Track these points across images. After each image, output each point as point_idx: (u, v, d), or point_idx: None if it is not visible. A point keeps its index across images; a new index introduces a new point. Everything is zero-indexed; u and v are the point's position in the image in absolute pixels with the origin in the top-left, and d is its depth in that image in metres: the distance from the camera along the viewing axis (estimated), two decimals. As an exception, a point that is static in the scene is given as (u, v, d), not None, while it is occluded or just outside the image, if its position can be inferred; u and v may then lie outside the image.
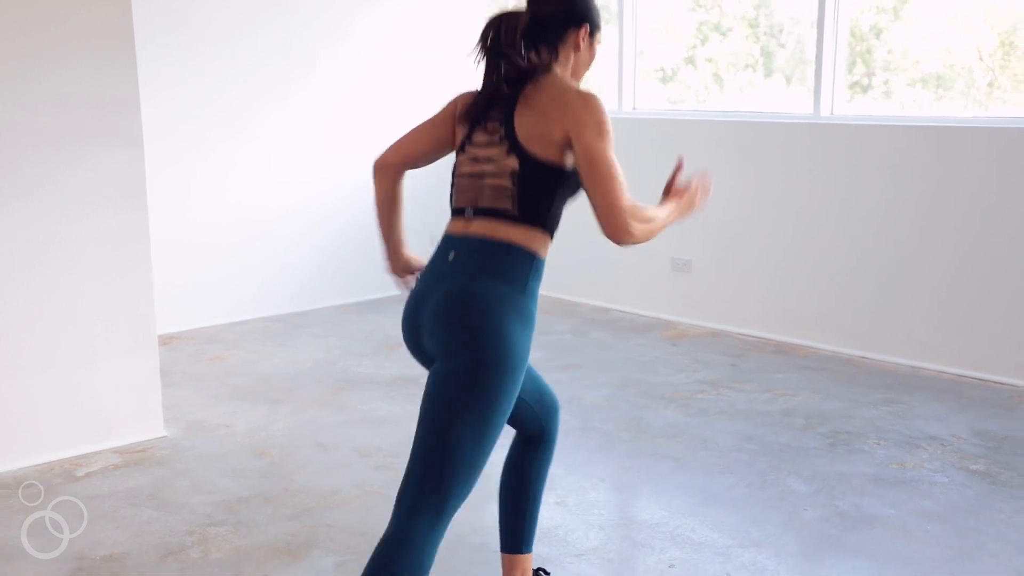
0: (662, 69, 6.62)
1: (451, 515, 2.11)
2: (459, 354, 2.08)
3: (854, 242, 5.07)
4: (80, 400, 3.87)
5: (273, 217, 6.10)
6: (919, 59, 5.46)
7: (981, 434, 3.97)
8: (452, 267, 2.17)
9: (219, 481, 3.62)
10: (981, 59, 5.32)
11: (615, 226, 2.08)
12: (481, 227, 2.18)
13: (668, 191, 2.34)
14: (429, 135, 2.42)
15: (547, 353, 5.21)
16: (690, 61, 6.69)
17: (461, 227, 2.23)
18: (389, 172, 2.48)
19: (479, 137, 2.24)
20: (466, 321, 2.09)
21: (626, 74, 6.15)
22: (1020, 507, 3.30)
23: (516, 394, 2.14)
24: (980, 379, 4.63)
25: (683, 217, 2.33)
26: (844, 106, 5.23)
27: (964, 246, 4.68)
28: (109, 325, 3.90)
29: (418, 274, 2.41)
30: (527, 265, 2.16)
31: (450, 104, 2.39)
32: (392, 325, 5.84)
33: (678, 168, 2.38)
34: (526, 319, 2.14)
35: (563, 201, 2.22)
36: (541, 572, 2.78)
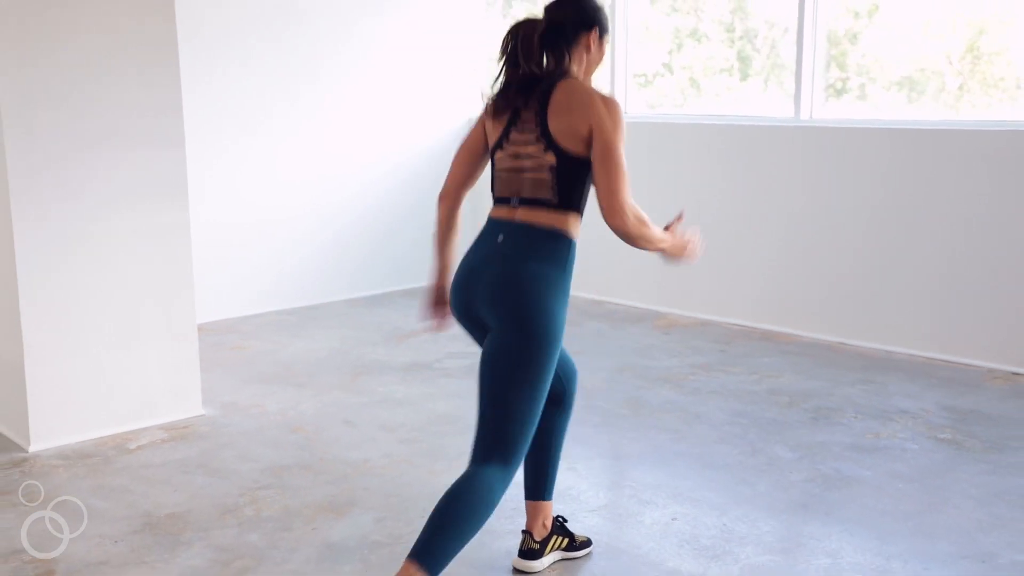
0: (644, 75, 7.01)
1: (517, 463, 2.54)
2: (513, 332, 2.50)
3: (833, 238, 5.48)
4: (128, 381, 4.21)
5: (283, 216, 6.43)
6: (892, 64, 5.87)
7: (948, 408, 4.38)
8: (502, 248, 2.57)
9: (261, 451, 3.98)
10: (951, 63, 5.73)
11: (613, 208, 2.48)
12: (525, 214, 2.58)
13: (667, 230, 2.71)
14: (469, 157, 2.80)
15: (548, 341, 5.58)
16: (667, 66, 7.08)
17: (507, 213, 2.62)
18: (447, 200, 2.86)
19: (516, 136, 2.61)
20: (519, 303, 2.50)
21: (617, 79, 6.53)
22: (982, 469, 3.71)
23: (556, 355, 2.53)
24: (948, 361, 5.05)
25: (673, 254, 2.70)
26: (822, 110, 5.65)
27: (934, 241, 5.10)
28: (154, 312, 4.25)
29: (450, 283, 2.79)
30: (566, 247, 2.57)
31: (478, 123, 2.76)
32: (399, 317, 6.22)
33: (679, 218, 2.75)
34: (565, 294, 2.56)
35: (591, 187, 2.61)
36: (560, 519, 3.13)
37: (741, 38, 6.62)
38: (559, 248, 2.58)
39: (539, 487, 3.00)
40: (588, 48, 2.66)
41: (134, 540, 3.22)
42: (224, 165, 6.10)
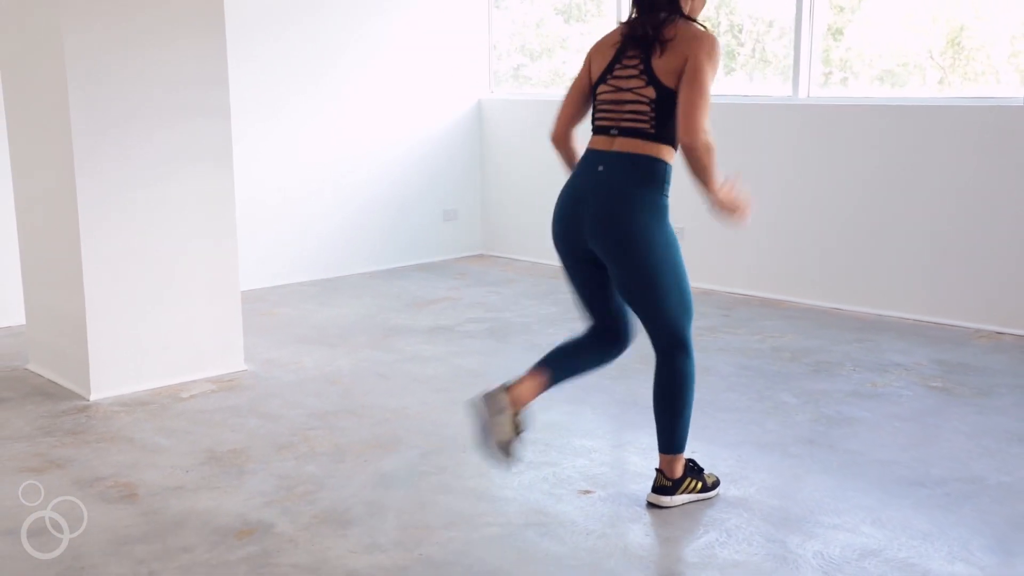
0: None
1: (690, 339, 3.08)
2: (632, 262, 2.90)
3: (827, 210, 5.82)
4: (179, 336, 4.51)
5: (305, 193, 6.74)
6: (874, 58, 6.21)
7: (939, 362, 4.72)
8: (602, 178, 2.91)
9: (305, 399, 4.29)
10: (932, 58, 6.07)
11: (689, 125, 2.78)
12: (624, 144, 2.91)
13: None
14: (578, 96, 3.12)
15: (561, 309, 5.91)
16: None
17: (606, 143, 2.94)
18: (560, 142, 3.18)
19: (620, 71, 2.93)
20: (628, 236, 2.88)
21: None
22: (970, 411, 4.05)
23: (679, 254, 2.93)
24: (937, 322, 5.40)
25: (724, 205, 2.95)
26: (818, 89, 5.99)
27: (923, 211, 5.44)
28: (201, 272, 4.55)
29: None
30: (662, 172, 2.91)
31: (584, 64, 3.08)
32: (417, 288, 6.53)
33: (736, 176, 3.06)
34: (665, 210, 2.91)
35: None
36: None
37: (726, 32, 6.90)
38: (656, 172, 2.89)
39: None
40: None
41: (203, 470, 3.53)
42: (249, 144, 6.38)
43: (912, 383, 4.42)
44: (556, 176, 8.01)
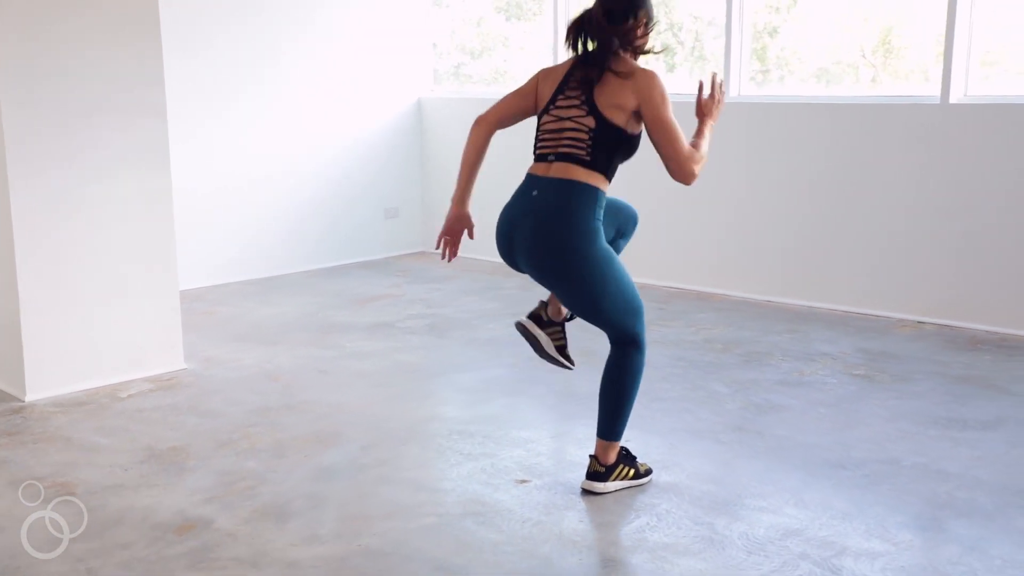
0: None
1: (644, 336, 3.20)
2: (565, 280, 3.04)
3: (759, 206, 5.98)
4: (117, 335, 4.51)
5: (245, 191, 6.73)
6: (809, 56, 6.38)
7: (863, 351, 4.89)
8: (536, 202, 3.02)
9: (245, 397, 4.32)
10: (864, 56, 6.26)
11: (683, 174, 3.01)
12: (559, 169, 3.02)
13: (699, 111, 3.17)
14: (516, 103, 3.22)
15: (501, 304, 6.00)
16: None
17: (543, 169, 3.06)
18: (484, 126, 3.25)
19: (562, 102, 3.05)
20: (556, 256, 3.01)
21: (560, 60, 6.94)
22: (889, 396, 4.21)
23: (621, 266, 3.04)
24: (862, 313, 5.59)
25: (714, 119, 3.17)
26: (749, 87, 6.14)
27: (848, 208, 5.62)
28: (140, 271, 4.55)
29: (471, 230, 3.32)
30: (594, 196, 3.00)
31: (532, 80, 3.19)
32: (358, 285, 6.58)
33: (700, 88, 3.18)
34: (596, 235, 3.00)
35: (620, 158, 3.05)
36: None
37: (666, 30, 7.03)
38: (587, 196, 2.99)
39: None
40: (636, 33, 3.06)
41: (142, 468, 3.56)
42: (188, 142, 6.37)
43: (837, 371, 4.58)
44: (495, 174, 8.09)
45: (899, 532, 2.97)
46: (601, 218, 3.03)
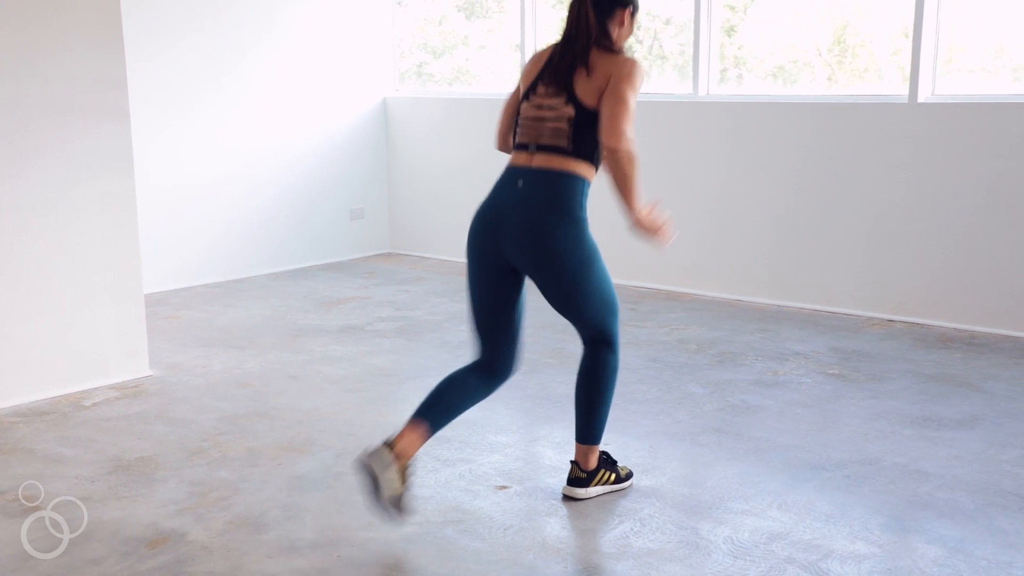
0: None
1: (618, 337, 3.16)
2: (554, 272, 2.96)
3: (726, 205, 5.97)
4: (80, 342, 4.40)
5: (207, 193, 6.61)
6: (766, 55, 6.38)
7: (835, 350, 4.90)
8: (522, 193, 2.95)
9: (214, 404, 4.23)
10: (820, 55, 6.28)
11: (612, 129, 2.84)
12: (542, 160, 2.95)
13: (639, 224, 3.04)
14: (512, 110, 3.15)
15: (470, 305, 5.94)
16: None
17: (525, 159, 2.98)
18: (505, 150, 3.21)
19: (541, 89, 2.98)
20: (548, 248, 2.93)
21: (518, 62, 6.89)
22: (864, 396, 4.22)
23: (603, 263, 3.00)
24: (832, 311, 5.60)
25: (645, 227, 2.97)
26: (717, 87, 6.14)
27: (817, 207, 5.63)
28: (103, 277, 4.44)
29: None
30: (580, 186, 2.95)
31: (520, 79, 3.11)
32: (324, 288, 6.49)
33: (656, 202, 3.13)
34: (583, 225, 2.96)
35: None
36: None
37: None
38: (573, 186, 2.93)
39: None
40: (622, 23, 3.01)
41: (110, 479, 3.46)
42: (150, 144, 6.25)
43: (811, 371, 4.58)
44: (462, 174, 8.05)
45: (883, 534, 2.96)
46: (586, 207, 2.98)
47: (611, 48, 2.97)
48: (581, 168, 2.96)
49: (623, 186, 2.90)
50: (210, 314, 5.82)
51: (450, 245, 7.41)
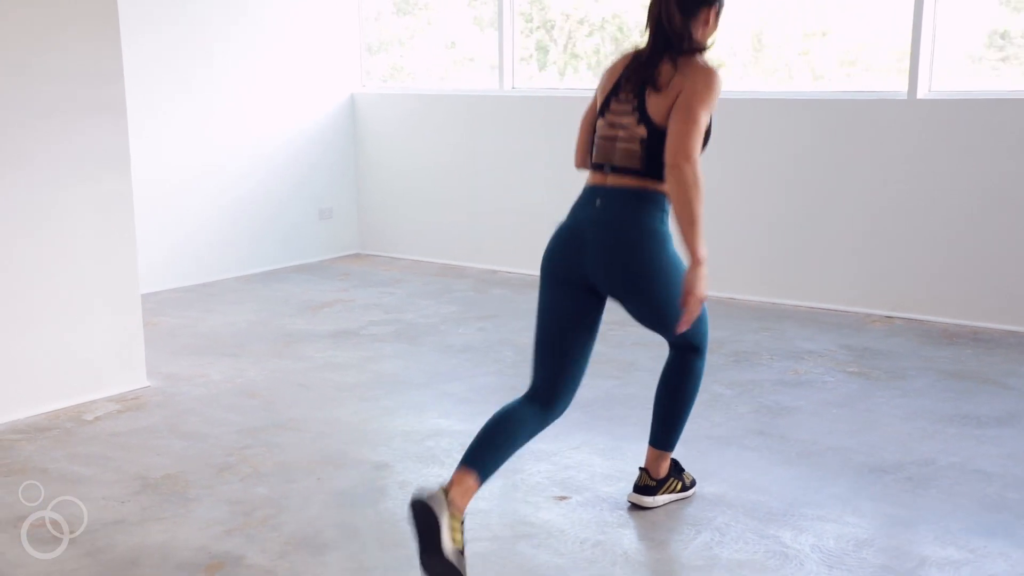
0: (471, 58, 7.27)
1: (706, 347, 3.12)
2: (647, 292, 2.83)
3: (722, 203, 5.91)
4: (75, 353, 4.13)
5: (172, 197, 6.31)
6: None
7: (846, 348, 4.88)
8: (600, 213, 2.80)
9: (225, 416, 4.00)
10: (735, 54, 6.30)
11: (678, 149, 2.66)
12: (616, 180, 2.80)
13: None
14: (589, 125, 2.97)
15: (460, 307, 5.78)
16: (470, 59, 7.37)
17: (600, 179, 2.84)
18: (584, 167, 3.02)
19: (616, 106, 2.83)
20: (638, 266, 2.78)
21: (506, 57, 6.76)
22: (894, 394, 4.20)
23: None
24: (829, 308, 5.60)
25: (700, 272, 2.72)
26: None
27: (811, 204, 5.63)
28: (99, 283, 4.18)
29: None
30: (659, 200, 2.80)
31: (598, 90, 2.94)
32: (301, 291, 6.25)
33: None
34: (667, 239, 2.82)
35: None
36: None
37: (539, 28, 6.92)
38: (653, 200, 2.79)
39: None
40: (707, 22, 2.81)
41: (141, 500, 3.23)
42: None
43: (830, 369, 4.54)
44: (432, 171, 7.87)
45: (970, 538, 2.91)
46: (668, 222, 2.85)
47: (695, 49, 2.80)
48: (656, 184, 2.81)
49: (684, 214, 2.69)
50: (189, 320, 5.55)
51: (421, 245, 7.23)
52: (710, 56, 2.86)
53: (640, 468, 3.17)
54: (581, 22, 6.79)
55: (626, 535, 2.98)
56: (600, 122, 2.89)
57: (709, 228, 5.75)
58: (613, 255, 2.80)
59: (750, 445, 3.67)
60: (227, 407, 4.11)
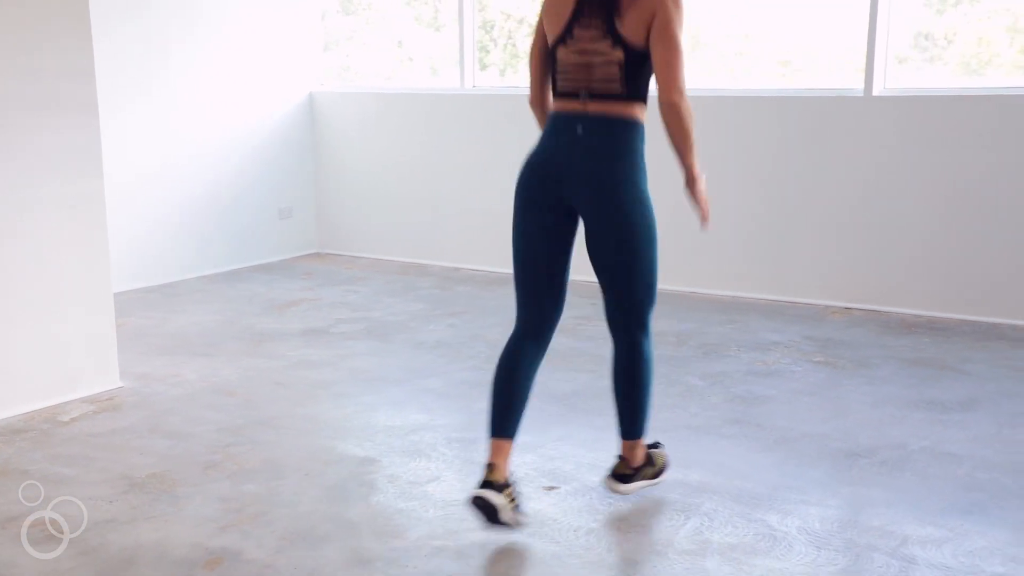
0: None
1: (650, 323, 3.09)
2: (620, 224, 2.86)
3: (680, 198, 6.03)
4: (48, 354, 4.08)
5: (130, 195, 6.23)
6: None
7: (809, 338, 5.01)
8: (584, 140, 2.83)
9: (205, 415, 3.99)
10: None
11: (670, 84, 2.75)
12: (598, 107, 2.83)
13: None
14: (539, 60, 3.00)
15: (428, 305, 5.81)
16: (410, 59, 7.44)
17: (579, 106, 2.85)
18: (537, 104, 3.07)
19: (580, 32, 2.82)
20: (619, 199, 2.85)
21: (466, 56, 6.80)
22: (860, 382, 4.32)
23: (656, 228, 2.94)
24: (791, 301, 5.73)
25: (698, 184, 3.01)
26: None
27: (767, 196, 5.76)
28: (71, 283, 4.14)
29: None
30: (639, 133, 2.87)
31: (538, 25, 2.98)
32: (265, 290, 6.23)
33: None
34: (644, 173, 2.90)
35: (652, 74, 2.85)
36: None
37: (479, 28, 6.99)
38: (635, 135, 2.85)
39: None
40: None
41: (129, 499, 3.21)
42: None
43: (797, 359, 4.66)
44: (391, 170, 7.87)
45: (947, 518, 3.02)
46: (643, 148, 2.91)
47: None
48: (637, 111, 2.86)
49: (683, 141, 2.86)
50: (155, 320, 5.50)
51: (382, 243, 7.24)
52: None
53: (618, 456, 3.22)
54: (521, 22, 6.85)
55: (617, 522, 3.04)
56: (563, 50, 2.87)
57: (672, 224, 5.86)
58: (597, 184, 2.84)
59: (728, 434, 3.76)
60: (206, 406, 4.10)
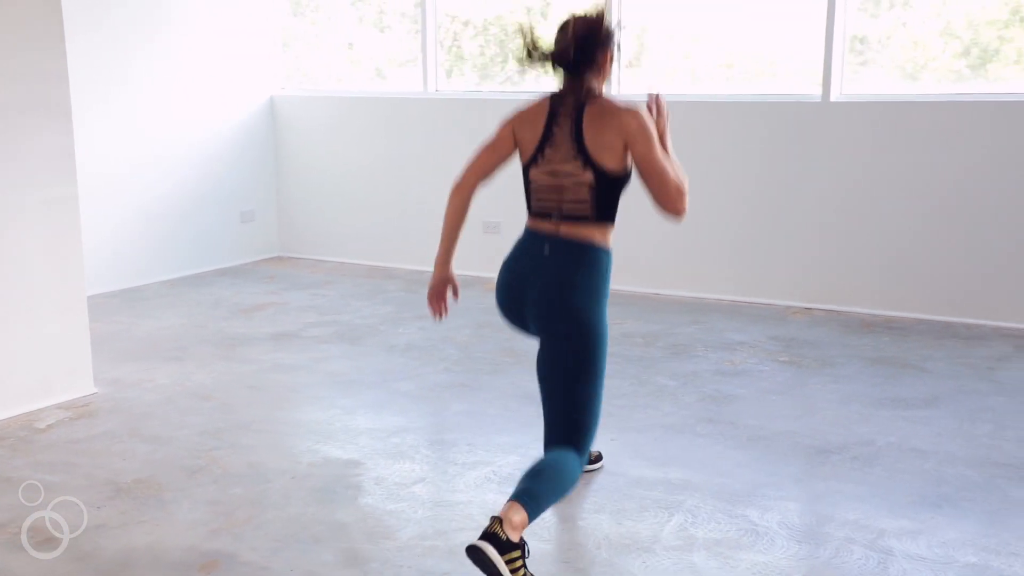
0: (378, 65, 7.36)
1: (589, 448, 2.95)
2: (572, 341, 2.85)
3: (640, 201, 6.14)
4: (21, 360, 4.06)
5: (89, 199, 6.16)
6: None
7: (774, 338, 5.14)
8: (549, 261, 2.87)
9: (184, 419, 4.00)
10: (618, 49, 6.53)
11: (676, 212, 2.88)
12: (568, 229, 2.87)
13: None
14: (493, 158, 3.01)
15: (395, 308, 5.85)
16: (354, 61, 7.49)
17: (551, 227, 2.89)
18: (463, 192, 3.04)
19: (551, 154, 2.86)
20: (575, 318, 2.84)
21: (429, 61, 6.85)
22: (826, 380, 4.45)
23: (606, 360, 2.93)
24: (750, 302, 5.87)
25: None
26: (629, 87, 6.30)
27: (729, 199, 5.89)
28: (44, 289, 4.12)
29: (452, 291, 3.17)
30: (605, 257, 2.91)
31: (505, 128, 2.97)
32: (231, 294, 6.22)
33: (649, 103, 2.99)
34: (607, 299, 2.92)
35: (621, 194, 2.92)
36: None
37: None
38: (601, 260, 2.89)
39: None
40: (605, 65, 2.90)
41: (117, 504, 3.22)
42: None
43: (763, 359, 4.79)
44: (353, 174, 7.88)
45: (919, 511, 3.15)
46: (609, 279, 2.94)
47: (604, 97, 2.87)
48: (607, 234, 2.91)
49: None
50: (123, 325, 5.47)
51: (347, 247, 7.26)
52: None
53: (494, 517, 2.62)
54: (466, 24, 6.91)
55: (603, 520, 3.12)
56: (535, 171, 2.91)
57: (633, 228, 5.94)
58: (555, 305, 2.86)
59: (702, 432, 3.86)
60: (183, 410, 4.10)
